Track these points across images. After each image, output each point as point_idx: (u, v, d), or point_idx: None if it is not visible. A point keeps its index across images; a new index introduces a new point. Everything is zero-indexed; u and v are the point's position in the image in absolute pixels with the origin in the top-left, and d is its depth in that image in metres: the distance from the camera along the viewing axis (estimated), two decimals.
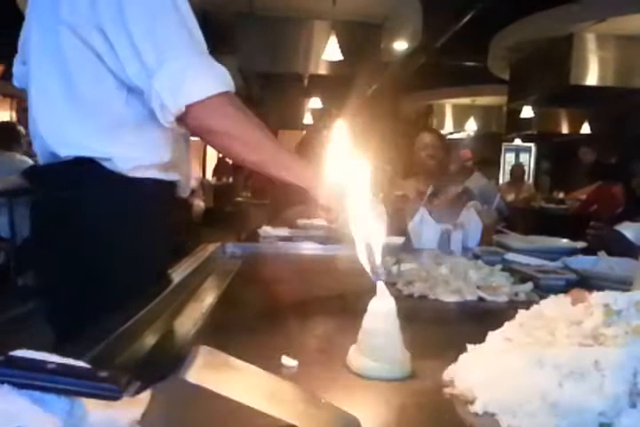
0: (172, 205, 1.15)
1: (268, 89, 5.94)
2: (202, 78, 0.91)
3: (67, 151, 0.97)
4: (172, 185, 1.10)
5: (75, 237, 0.99)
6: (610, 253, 1.31)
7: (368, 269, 0.59)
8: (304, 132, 4.09)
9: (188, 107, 0.91)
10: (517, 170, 6.86)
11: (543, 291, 1.02)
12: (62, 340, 0.54)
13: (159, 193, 1.05)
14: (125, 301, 0.76)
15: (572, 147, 7.68)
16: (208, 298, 0.93)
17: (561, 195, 6.91)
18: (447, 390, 0.53)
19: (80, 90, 0.96)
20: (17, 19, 0.95)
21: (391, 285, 1.04)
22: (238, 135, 0.97)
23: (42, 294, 1.06)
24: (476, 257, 1.38)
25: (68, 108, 0.97)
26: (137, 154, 0.99)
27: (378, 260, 0.59)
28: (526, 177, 7.68)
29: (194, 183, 5.80)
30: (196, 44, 0.95)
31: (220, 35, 4.52)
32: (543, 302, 0.60)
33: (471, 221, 1.59)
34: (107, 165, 0.97)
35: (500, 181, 8.57)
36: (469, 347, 0.59)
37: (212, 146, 1.07)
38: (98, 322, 0.65)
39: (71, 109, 0.97)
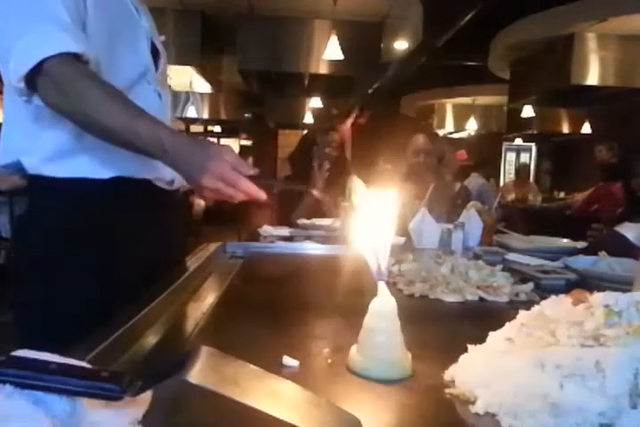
0: (124, 205, 0.98)
1: (268, 89, 5.93)
2: (19, 52, 0.79)
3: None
4: (114, 184, 0.95)
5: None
6: (610, 254, 1.31)
7: (373, 268, 0.59)
8: (304, 131, 4.08)
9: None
10: (523, 170, 6.92)
11: (544, 291, 1.02)
12: (64, 340, 0.53)
13: (91, 194, 0.94)
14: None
15: (572, 146, 7.68)
16: (209, 298, 0.93)
17: (561, 194, 6.91)
18: (448, 391, 0.53)
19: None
20: None
21: (392, 284, 1.04)
22: (56, 105, 0.84)
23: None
24: (477, 257, 1.38)
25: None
26: (32, 139, 0.92)
27: (384, 260, 0.59)
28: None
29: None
30: (38, 12, 0.82)
31: (220, 34, 4.52)
32: (544, 303, 0.60)
33: (472, 221, 1.59)
34: (26, 165, 0.94)
35: (501, 181, 8.57)
36: (470, 347, 0.59)
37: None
38: (99, 322, 0.65)
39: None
